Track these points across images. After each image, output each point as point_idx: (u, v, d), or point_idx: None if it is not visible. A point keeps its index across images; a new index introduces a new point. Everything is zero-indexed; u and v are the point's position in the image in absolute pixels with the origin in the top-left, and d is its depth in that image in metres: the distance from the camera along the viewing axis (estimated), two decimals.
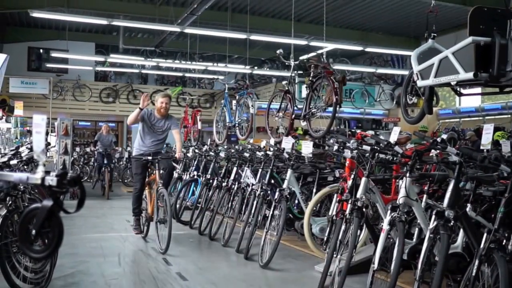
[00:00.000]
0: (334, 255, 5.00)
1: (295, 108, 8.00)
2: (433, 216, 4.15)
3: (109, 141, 15.54)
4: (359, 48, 17.69)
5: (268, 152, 7.73)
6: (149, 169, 8.00)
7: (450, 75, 5.01)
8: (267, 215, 6.88)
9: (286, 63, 8.67)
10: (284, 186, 6.99)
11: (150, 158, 7.69)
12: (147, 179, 7.97)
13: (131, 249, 7.47)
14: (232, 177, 8.35)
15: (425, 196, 5.02)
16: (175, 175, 11.44)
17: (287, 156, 7.45)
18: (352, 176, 5.32)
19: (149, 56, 21.70)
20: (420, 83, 5.66)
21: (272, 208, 6.75)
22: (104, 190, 14.83)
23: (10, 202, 4.77)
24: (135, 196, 8.01)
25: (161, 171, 7.54)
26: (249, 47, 18.54)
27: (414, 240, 4.84)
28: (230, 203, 8.05)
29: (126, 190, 16.47)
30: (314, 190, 7.60)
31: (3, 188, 4.71)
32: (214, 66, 21.54)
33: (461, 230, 4.49)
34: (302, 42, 15.75)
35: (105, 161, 14.88)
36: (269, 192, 7.17)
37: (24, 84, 19.60)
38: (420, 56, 5.79)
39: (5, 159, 6.21)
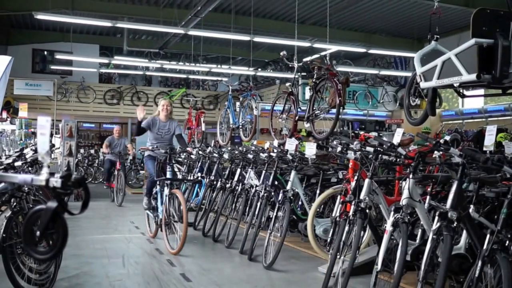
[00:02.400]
0: (338, 256, 5.01)
1: (299, 109, 8.00)
2: (436, 217, 4.15)
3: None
4: (363, 50, 17.67)
5: (271, 154, 7.73)
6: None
7: (453, 77, 5.02)
8: (271, 216, 6.90)
9: (290, 65, 8.68)
10: (288, 187, 7.00)
11: None
12: None
13: (135, 250, 7.49)
14: (235, 178, 8.36)
15: (428, 197, 5.02)
16: (179, 176, 11.45)
17: (290, 157, 7.46)
18: (356, 178, 5.33)
19: (153, 58, 21.74)
20: (423, 84, 5.66)
21: (275, 210, 6.76)
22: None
23: (15, 203, 4.79)
24: None
25: None
26: (252, 49, 18.56)
27: (417, 241, 4.84)
28: (234, 205, 8.06)
29: (131, 192, 16.49)
30: (318, 192, 7.61)
31: (8, 190, 4.73)
32: (218, 68, 21.57)
33: (464, 231, 4.49)
34: (306, 44, 15.76)
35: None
36: (272, 193, 7.17)
37: (29, 86, 19.66)
38: (423, 58, 5.79)
39: (9, 160, 6.23)
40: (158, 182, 7.83)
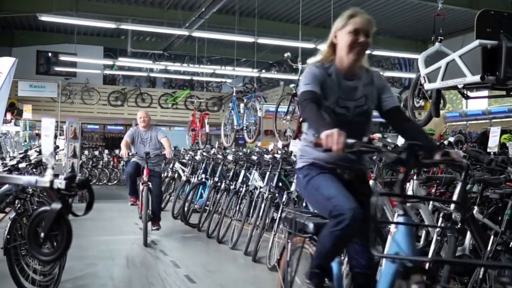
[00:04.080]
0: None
1: None
2: (440, 219, 4.15)
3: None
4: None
5: (276, 155, 7.72)
6: None
7: (457, 78, 5.02)
8: (275, 217, 6.89)
9: (294, 66, 8.69)
10: (292, 189, 6.99)
11: None
12: None
13: (139, 252, 7.49)
14: (240, 180, 8.36)
15: None
16: (183, 178, 11.46)
17: (295, 159, 7.45)
18: None
19: (157, 59, 21.75)
20: (427, 86, 5.67)
21: (280, 211, 6.76)
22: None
23: (19, 205, 4.80)
24: None
25: None
26: (256, 50, 18.56)
27: (421, 242, 4.84)
28: (238, 206, 8.05)
29: None
30: None
31: (12, 191, 4.72)
32: (222, 69, 21.59)
33: (468, 233, 4.48)
34: (310, 45, 15.72)
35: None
36: (276, 195, 7.17)
37: (33, 88, 19.71)
38: (427, 59, 5.79)
39: (14, 162, 6.25)
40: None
